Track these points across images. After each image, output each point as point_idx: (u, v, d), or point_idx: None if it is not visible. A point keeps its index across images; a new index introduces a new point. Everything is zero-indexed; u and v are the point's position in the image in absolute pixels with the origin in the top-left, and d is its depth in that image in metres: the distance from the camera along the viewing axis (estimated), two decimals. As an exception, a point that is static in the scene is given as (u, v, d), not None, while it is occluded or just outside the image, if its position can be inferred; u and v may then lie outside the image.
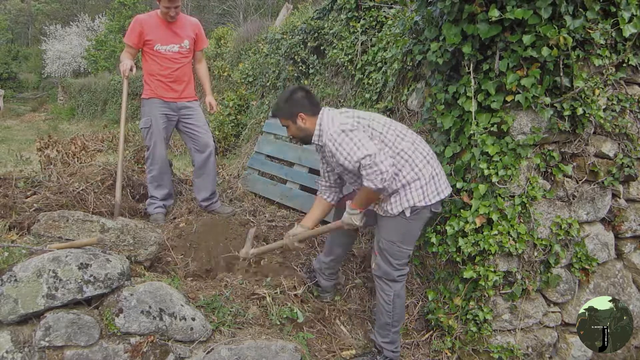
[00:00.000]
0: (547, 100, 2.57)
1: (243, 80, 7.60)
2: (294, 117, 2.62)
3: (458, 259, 2.76)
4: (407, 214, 2.52)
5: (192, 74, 4.06)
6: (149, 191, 3.94)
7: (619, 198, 2.94)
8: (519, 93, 2.56)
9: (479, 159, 2.65)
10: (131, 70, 3.69)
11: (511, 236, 2.64)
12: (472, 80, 2.63)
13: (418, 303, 3.14)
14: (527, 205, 2.66)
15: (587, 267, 2.78)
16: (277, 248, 3.03)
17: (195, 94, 4.10)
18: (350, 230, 2.81)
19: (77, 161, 4.55)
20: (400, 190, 2.52)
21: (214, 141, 4.08)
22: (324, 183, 2.85)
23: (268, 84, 6.90)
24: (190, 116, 3.94)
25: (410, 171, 2.50)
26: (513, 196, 2.67)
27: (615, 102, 2.77)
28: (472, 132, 2.62)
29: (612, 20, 2.56)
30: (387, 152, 2.49)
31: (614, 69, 2.68)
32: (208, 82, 4.23)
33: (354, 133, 2.42)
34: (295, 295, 2.94)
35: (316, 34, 5.49)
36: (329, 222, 2.86)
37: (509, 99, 2.59)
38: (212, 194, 4.05)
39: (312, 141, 2.62)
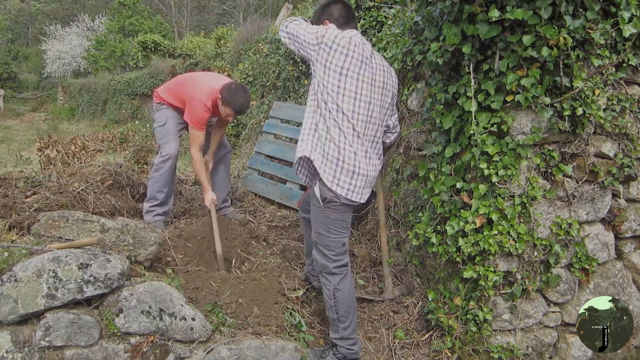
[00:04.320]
0: (547, 100, 2.57)
1: (243, 80, 7.61)
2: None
3: (458, 259, 2.76)
4: (320, 202, 2.46)
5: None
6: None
7: (619, 198, 2.94)
8: (519, 93, 2.56)
9: (479, 159, 2.65)
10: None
11: (511, 236, 2.64)
12: (472, 80, 2.63)
13: (418, 303, 3.14)
14: (527, 205, 2.66)
15: (587, 267, 2.78)
16: None
17: None
18: None
19: (77, 161, 4.55)
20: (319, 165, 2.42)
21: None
22: None
23: (268, 84, 6.91)
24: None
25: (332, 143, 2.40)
26: (513, 196, 2.67)
27: (615, 102, 2.76)
28: (472, 132, 2.62)
29: (612, 20, 2.56)
30: None
31: (614, 69, 2.68)
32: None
33: None
34: (297, 297, 2.94)
35: (316, 34, 5.48)
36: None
37: (509, 99, 2.59)
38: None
39: None
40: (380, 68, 2.57)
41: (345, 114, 2.40)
